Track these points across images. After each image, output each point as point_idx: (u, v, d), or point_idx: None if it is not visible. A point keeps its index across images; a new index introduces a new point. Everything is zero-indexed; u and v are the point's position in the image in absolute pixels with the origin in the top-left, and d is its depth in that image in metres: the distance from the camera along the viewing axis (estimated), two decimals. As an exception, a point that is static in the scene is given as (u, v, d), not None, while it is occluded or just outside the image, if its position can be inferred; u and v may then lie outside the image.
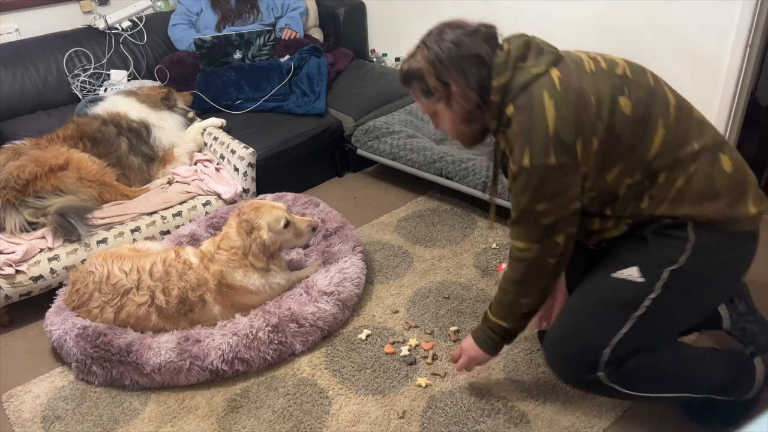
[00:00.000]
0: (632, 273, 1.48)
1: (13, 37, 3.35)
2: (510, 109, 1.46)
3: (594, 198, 1.51)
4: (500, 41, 1.51)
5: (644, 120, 1.44)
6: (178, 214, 2.62)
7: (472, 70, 1.47)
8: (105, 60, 3.38)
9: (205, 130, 3.02)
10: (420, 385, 1.94)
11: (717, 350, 1.72)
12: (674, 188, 1.45)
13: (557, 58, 1.47)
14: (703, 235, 1.45)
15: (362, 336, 2.14)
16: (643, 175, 1.46)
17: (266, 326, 2.01)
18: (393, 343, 2.11)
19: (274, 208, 2.14)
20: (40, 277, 2.29)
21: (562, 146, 1.40)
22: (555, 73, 1.44)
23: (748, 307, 1.77)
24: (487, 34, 1.50)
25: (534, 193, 1.44)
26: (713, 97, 2.63)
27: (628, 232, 1.55)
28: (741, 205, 1.46)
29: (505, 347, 1.71)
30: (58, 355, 2.13)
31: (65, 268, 2.33)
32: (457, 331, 2.14)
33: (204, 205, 2.68)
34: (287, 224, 2.14)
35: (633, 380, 1.54)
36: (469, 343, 1.73)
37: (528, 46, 1.48)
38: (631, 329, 1.48)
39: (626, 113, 1.43)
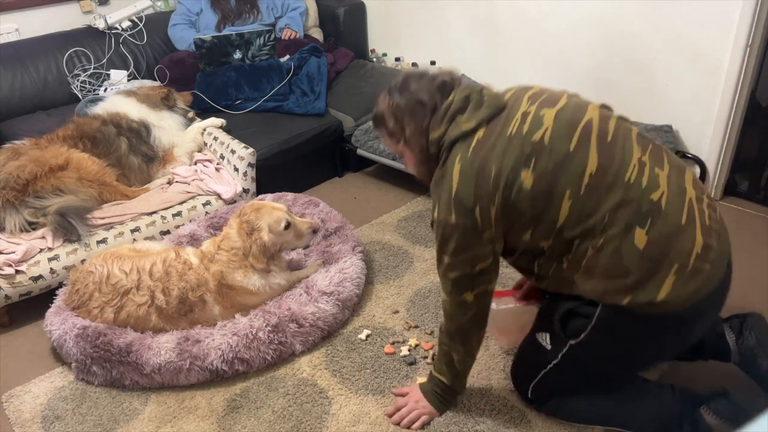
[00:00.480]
0: (545, 339, 1.66)
1: (13, 37, 3.35)
2: (440, 164, 1.57)
3: (522, 253, 1.57)
4: (454, 90, 1.57)
5: (547, 192, 1.44)
6: (178, 214, 2.62)
7: (421, 116, 1.57)
8: (105, 60, 3.38)
9: (205, 130, 3.02)
10: (420, 385, 1.94)
11: (661, 394, 1.64)
12: (586, 258, 1.46)
13: (492, 113, 1.51)
14: (608, 317, 1.48)
15: (362, 336, 2.14)
16: (557, 242, 1.48)
17: (266, 326, 2.01)
18: (393, 343, 2.11)
19: (274, 209, 2.14)
20: (40, 277, 2.29)
21: (462, 209, 1.48)
22: (478, 135, 1.49)
23: (759, 341, 1.67)
24: (443, 83, 1.58)
25: (440, 246, 1.56)
26: (713, 97, 2.64)
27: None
28: (648, 287, 1.40)
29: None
30: (58, 355, 2.13)
31: (65, 268, 2.33)
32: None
33: (204, 205, 2.68)
34: (288, 226, 2.14)
35: (559, 414, 1.75)
36: (417, 393, 1.80)
37: (468, 100, 1.54)
38: (541, 379, 1.69)
39: (525, 187, 1.44)
